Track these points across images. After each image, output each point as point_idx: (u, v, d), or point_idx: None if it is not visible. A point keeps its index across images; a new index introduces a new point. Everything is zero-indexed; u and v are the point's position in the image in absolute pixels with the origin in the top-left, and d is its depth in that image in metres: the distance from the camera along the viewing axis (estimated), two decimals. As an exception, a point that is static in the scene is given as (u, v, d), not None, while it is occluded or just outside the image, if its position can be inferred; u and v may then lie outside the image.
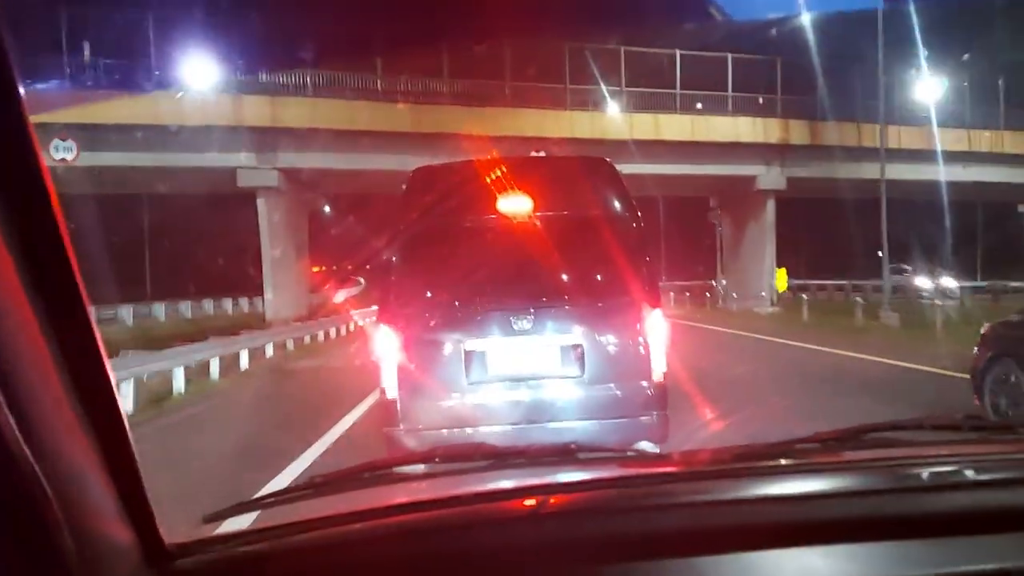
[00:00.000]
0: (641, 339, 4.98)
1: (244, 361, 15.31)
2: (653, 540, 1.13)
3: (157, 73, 23.90)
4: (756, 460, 1.47)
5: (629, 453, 1.85)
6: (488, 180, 5.15)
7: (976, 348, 7.66)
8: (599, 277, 5.19)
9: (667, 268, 40.05)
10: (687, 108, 30.07)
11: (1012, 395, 7.07)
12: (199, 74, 24.31)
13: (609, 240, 5.08)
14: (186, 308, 32.56)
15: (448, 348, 4.94)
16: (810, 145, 31.33)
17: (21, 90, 0.82)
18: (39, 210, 0.86)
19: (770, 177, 31.98)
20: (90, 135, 21.03)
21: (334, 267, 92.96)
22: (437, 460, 1.63)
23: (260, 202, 26.33)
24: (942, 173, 29.26)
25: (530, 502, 1.27)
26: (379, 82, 26.54)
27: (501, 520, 1.24)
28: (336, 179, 30.46)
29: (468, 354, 4.91)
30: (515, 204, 5.02)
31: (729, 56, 30.53)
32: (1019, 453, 1.57)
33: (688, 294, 35.06)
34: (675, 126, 29.67)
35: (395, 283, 5.05)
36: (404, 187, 5.33)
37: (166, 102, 23.66)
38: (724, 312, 30.73)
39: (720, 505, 1.21)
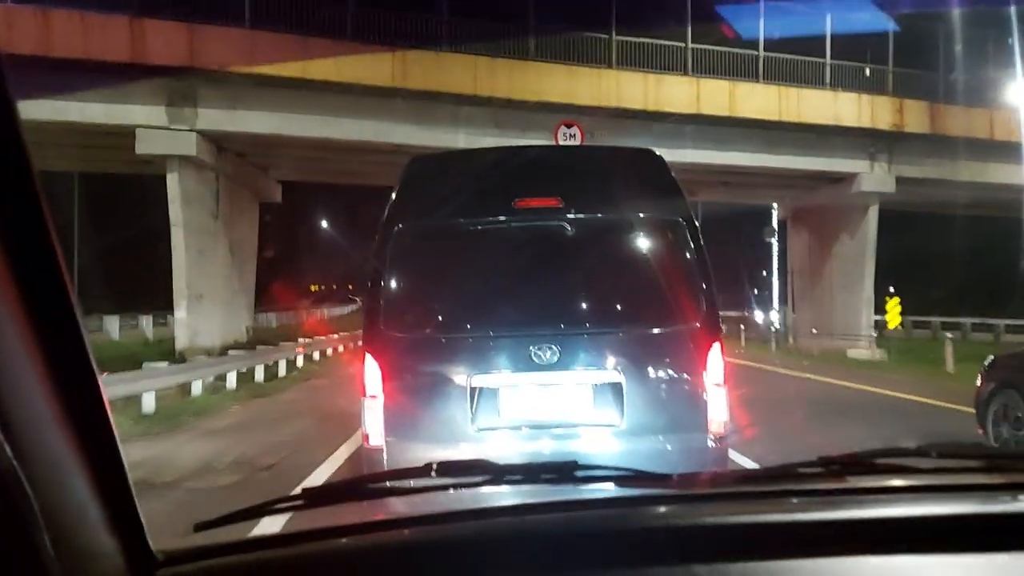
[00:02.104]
0: (697, 378, 4.15)
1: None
2: (648, 562, 1.11)
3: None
4: (757, 484, 1.47)
5: (629, 473, 1.61)
6: (504, 173, 4.46)
7: (980, 378, 7.85)
8: (644, 298, 4.36)
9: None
10: (771, 77, 22.15)
11: (1014, 425, 7.18)
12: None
13: (657, 252, 4.43)
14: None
15: (450, 384, 4.11)
16: (930, 135, 23.33)
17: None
18: (28, 211, 0.84)
19: (875, 176, 23.95)
20: None
21: (334, 285, 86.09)
22: (432, 474, 1.49)
23: (171, 177, 18.32)
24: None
25: (526, 520, 1.26)
26: (348, 15, 18.64)
27: (496, 538, 1.19)
28: (294, 156, 22.52)
29: (475, 392, 4.09)
30: (538, 203, 4.30)
31: (828, 14, 22.64)
32: None
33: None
34: (756, 99, 21.72)
35: (384, 301, 4.21)
36: (397, 182, 4.47)
37: (22, 19, 15.86)
38: (805, 356, 22.50)
39: (717, 529, 1.17)
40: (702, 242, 4.33)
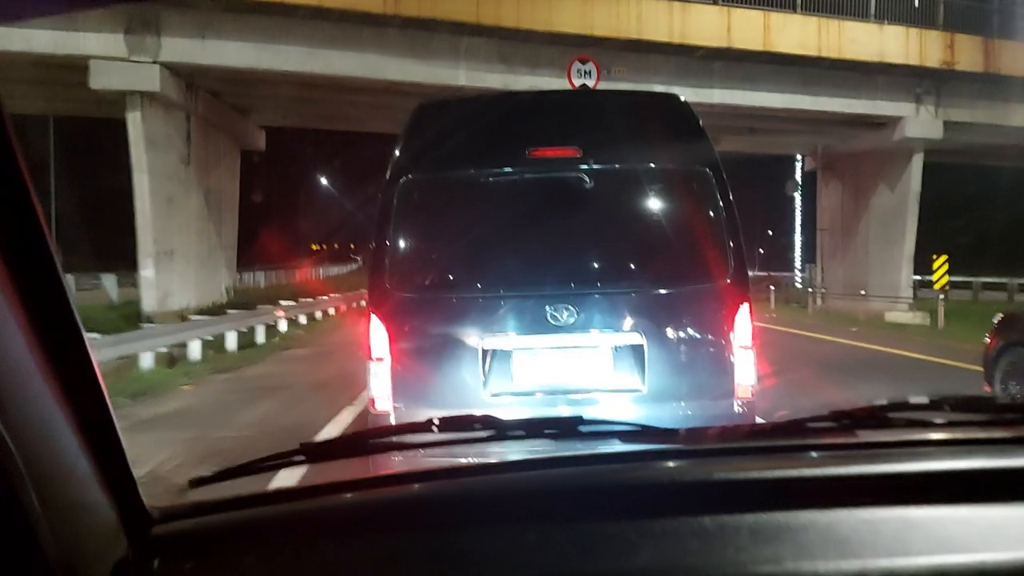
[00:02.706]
0: (724, 341, 3.94)
1: None
2: (655, 516, 1.07)
3: None
4: (767, 439, 1.42)
5: (635, 428, 1.55)
6: (517, 120, 4.30)
7: (988, 336, 7.75)
8: (667, 255, 4.16)
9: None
10: (810, 8, 19.76)
11: (1022, 382, 7.21)
12: None
13: (682, 205, 4.21)
14: None
15: (460, 347, 3.89)
16: (982, 74, 20.99)
17: None
18: (9, 178, 0.83)
19: (921, 121, 21.65)
20: None
21: (335, 244, 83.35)
22: (434, 430, 1.49)
23: (131, 117, 16.11)
24: None
25: (530, 475, 1.23)
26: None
27: (500, 493, 1.17)
28: (277, 96, 20.25)
29: (487, 355, 3.88)
30: (554, 153, 4.07)
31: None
32: None
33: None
34: (794, 32, 19.38)
35: (390, 259, 4.02)
36: (402, 129, 4.27)
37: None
38: (856, 322, 20.43)
39: (726, 484, 1.13)
40: (730, 195, 4.04)
